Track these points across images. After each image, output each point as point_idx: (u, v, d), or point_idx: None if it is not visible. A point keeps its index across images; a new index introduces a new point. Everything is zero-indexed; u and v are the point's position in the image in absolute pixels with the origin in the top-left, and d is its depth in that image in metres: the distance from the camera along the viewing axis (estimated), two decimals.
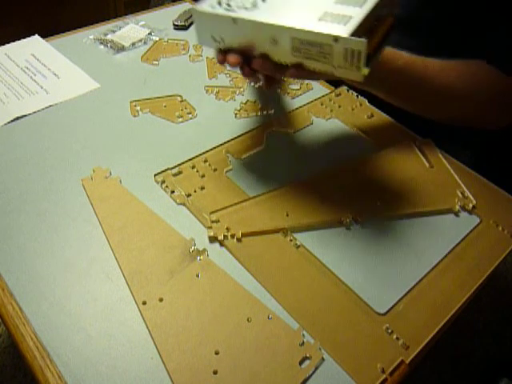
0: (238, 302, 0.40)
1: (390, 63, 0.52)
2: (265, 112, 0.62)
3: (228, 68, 0.47)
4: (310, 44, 0.40)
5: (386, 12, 0.44)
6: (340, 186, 0.52)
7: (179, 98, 0.62)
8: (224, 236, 0.45)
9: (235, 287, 0.41)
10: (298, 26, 0.39)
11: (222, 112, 0.61)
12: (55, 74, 0.64)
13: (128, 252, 0.43)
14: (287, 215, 0.47)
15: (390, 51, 0.52)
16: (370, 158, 0.56)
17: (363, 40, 0.37)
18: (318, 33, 0.39)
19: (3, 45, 0.69)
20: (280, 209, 0.48)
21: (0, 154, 0.51)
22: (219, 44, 0.45)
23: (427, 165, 0.56)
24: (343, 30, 0.38)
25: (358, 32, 0.38)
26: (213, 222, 0.46)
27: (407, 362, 0.38)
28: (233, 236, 0.45)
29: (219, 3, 0.44)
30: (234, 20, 0.42)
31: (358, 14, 0.40)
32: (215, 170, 0.52)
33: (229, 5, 0.44)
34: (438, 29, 0.60)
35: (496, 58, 0.54)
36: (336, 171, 0.54)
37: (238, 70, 0.47)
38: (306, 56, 0.41)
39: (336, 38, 0.38)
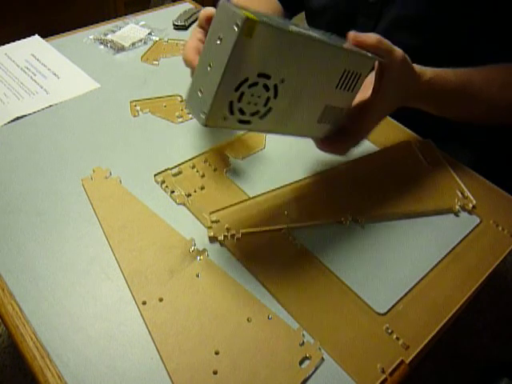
0: (238, 302, 0.40)
1: (441, 83, 0.51)
2: None
3: None
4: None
5: None
6: (340, 186, 0.52)
7: (179, 98, 0.62)
8: (224, 236, 0.45)
9: (235, 287, 0.41)
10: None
11: None
12: (55, 74, 0.64)
13: (128, 252, 0.43)
14: (287, 215, 0.47)
15: (439, 72, 0.51)
16: (369, 158, 0.56)
17: None
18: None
19: (3, 45, 0.69)
20: (280, 209, 0.48)
21: (0, 153, 0.51)
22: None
23: (427, 165, 0.56)
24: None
25: None
26: (213, 222, 0.46)
27: (407, 362, 0.38)
28: (233, 236, 0.45)
29: (231, 110, 0.36)
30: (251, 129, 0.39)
31: (348, 105, 0.44)
32: (215, 170, 0.52)
33: (242, 111, 0.36)
34: (444, 28, 0.59)
35: None
36: (336, 171, 0.54)
37: None
38: None
39: None
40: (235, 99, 0.35)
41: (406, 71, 0.46)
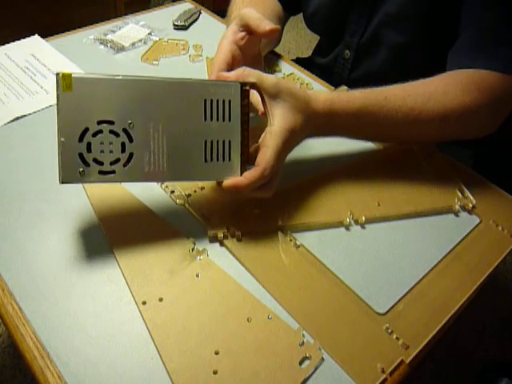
0: (238, 302, 0.40)
1: (345, 110, 0.48)
2: None
3: None
4: None
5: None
6: (340, 186, 0.52)
7: None
8: (224, 236, 0.45)
9: (235, 287, 0.41)
10: (193, 181, 0.44)
11: None
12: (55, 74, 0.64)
13: (128, 252, 0.43)
14: (287, 215, 0.47)
15: (343, 96, 0.48)
16: (370, 158, 0.56)
17: None
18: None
19: (3, 45, 0.69)
20: (280, 209, 0.48)
21: (0, 154, 0.51)
22: None
23: (427, 165, 0.56)
24: (235, 172, 0.42)
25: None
26: (213, 222, 0.46)
27: (407, 362, 0.38)
28: (233, 236, 0.45)
29: (84, 162, 0.37)
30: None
31: (234, 135, 0.42)
32: None
33: (98, 161, 0.37)
34: (427, 24, 0.59)
35: (488, 62, 0.51)
36: (336, 171, 0.53)
37: None
38: None
39: None
40: (83, 150, 0.36)
41: (285, 90, 0.43)
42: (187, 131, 0.39)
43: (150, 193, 0.49)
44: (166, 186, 0.49)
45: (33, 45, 0.70)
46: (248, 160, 0.43)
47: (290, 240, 0.46)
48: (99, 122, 0.37)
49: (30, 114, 0.57)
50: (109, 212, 0.46)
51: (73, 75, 0.36)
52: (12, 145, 0.53)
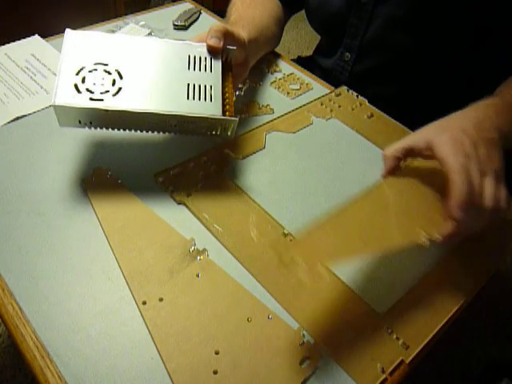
0: (238, 302, 0.40)
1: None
2: (265, 112, 0.62)
3: None
4: (187, 121, 0.46)
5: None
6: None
7: None
8: (224, 236, 0.45)
9: (235, 287, 0.41)
10: (176, 112, 0.45)
11: None
12: (55, 74, 0.64)
13: (128, 252, 0.43)
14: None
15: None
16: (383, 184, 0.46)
17: (235, 119, 0.47)
18: (196, 116, 0.46)
19: (3, 45, 0.69)
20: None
21: (0, 153, 0.51)
22: (85, 126, 0.46)
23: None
24: (216, 110, 0.46)
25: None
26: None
27: (407, 361, 0.38)
28: (233, 236, 0.45)
29: (77, 90, 0.44)
30: (107, 110, 0.44)
31: (215, 83, 0.48)
32: (215, 169, 0.52)
33: (89, 90, 0.44)
34: (436, 27, 0.59)
35: None
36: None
37: None
38: (182, 128, 0.48)
39: (212, 118, 0.46)
40: (78, 81, 0.44)
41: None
42: (173, 76, 0.47)
43: (149, 193, 0.49)
44: (167, 186, 0.49)
45: (33, 45, 0.70)
46: (231, 109, 0.48)
47: (290, 240, 0.46)
48: (95, 64, 0.46)
49: (29, 114, 0.57)
50: (109, 212, 0.46)
51: (77, 31, 0.48)
52: (12, 145, 0.53)
